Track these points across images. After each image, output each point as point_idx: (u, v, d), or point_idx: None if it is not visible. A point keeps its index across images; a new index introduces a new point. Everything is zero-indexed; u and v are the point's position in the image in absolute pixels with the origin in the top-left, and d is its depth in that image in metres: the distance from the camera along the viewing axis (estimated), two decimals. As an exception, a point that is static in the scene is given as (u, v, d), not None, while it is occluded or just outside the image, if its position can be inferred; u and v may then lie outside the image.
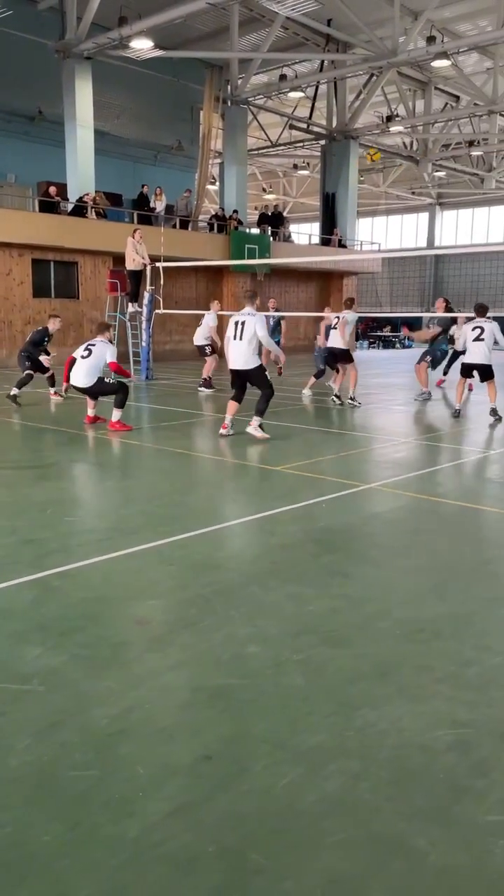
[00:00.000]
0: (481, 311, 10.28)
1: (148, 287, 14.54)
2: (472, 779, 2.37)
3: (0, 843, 2.07)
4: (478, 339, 9.94)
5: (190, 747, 2.53)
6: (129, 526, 5.17)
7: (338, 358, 11.80)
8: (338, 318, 11.73)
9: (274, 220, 26.80)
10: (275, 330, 15.14)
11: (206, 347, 13.54)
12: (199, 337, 13.70)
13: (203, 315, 14.02)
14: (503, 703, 2.83)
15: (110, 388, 9.34)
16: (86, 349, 9.27)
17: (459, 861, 2.02)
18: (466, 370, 10.30)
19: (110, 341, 9.51)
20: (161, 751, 2.51)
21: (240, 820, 2.17)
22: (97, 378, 9.22)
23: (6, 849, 2.05)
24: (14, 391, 10.84)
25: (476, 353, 10.03)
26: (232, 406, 8.80)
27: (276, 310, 15.60)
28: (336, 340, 11.61)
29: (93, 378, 9.21)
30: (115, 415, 9.20)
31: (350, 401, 11.66)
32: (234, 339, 8.61)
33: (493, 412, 9.99)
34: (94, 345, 9.29)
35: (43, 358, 11.13)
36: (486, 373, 10.12)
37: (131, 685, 2.94)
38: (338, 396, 11.82)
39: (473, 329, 10.03)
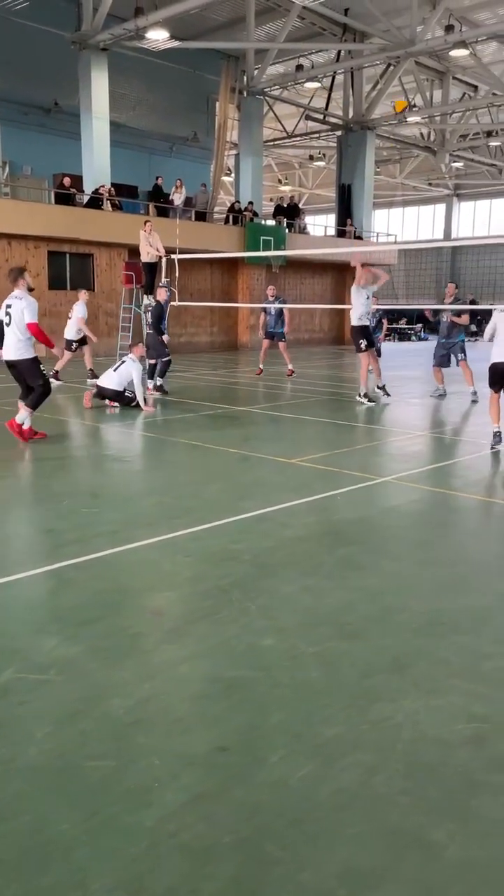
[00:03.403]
0: None
1: (163, 279, 14.53)
2: (488, 773, 2.36)
3: (20, 831, 2.09)
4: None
5: (205, 738, 2.54)
6: (144, 517, 5.19)
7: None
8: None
9: (290, 212, 26.67)
10: (277, 320, 14.68)
11: (73, 342, 12.92)
12: (70, 331, 13.02)
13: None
14: (520, 698, 2.82)
15: (32, 376, 7.50)
16: (5, 313, 7.43)
17: (477, 855, 2.01)
18: (497, 375, 7.77)
19: (29, 290, 7.55)
20: (177, 741, 2.52)
21: (255, 811, 2.17)
22: (28, 357, 7.45)
23: (26, 836, 2.07)
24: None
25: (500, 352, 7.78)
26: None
27: (276, 297, 15.03)
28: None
29: (22, 352, 7.44)
30: (22, 415, 7.57)
31: (379, 390, 11.38)
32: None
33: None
34: (10, 305, 7.43)
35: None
36: None
37: (147, 676, 2.95)
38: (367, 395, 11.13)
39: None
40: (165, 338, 11.79)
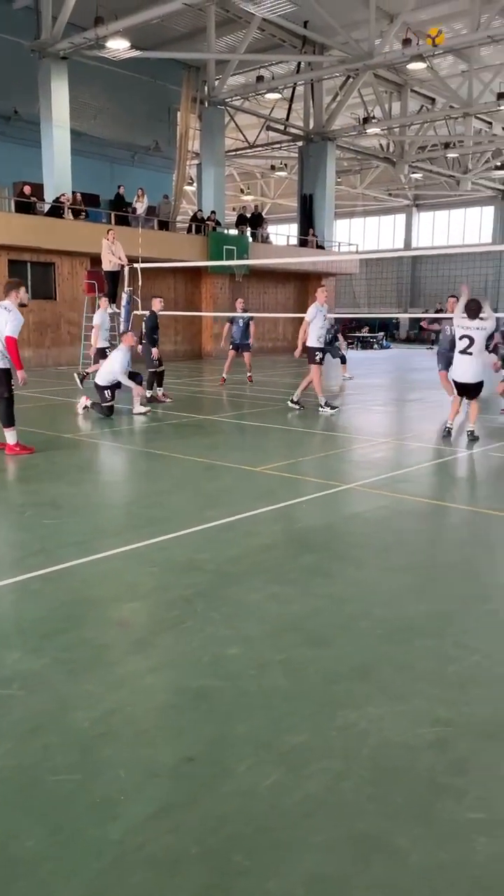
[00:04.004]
0: (473, 311, 8.27)
1: (126, 288, 14.47)
2: (452, 777, 2.39)
3: (-18, 850, 2.06)
4: (465, 351, 8.29)
5: (172, 749, 2.53)
6: (109, 528, 5.15)
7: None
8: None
9: (254, 221, 26.84)
10: (245, 332, 14.94)
11: (105, 350, 12.81)
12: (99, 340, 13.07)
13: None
14: (482, 701, 2.86)
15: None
16: None
17: (441, 859, 2.04)
18: (461, 389, 8.61)
19: (21, 305, 7.59)
20: (143, 753, 2.51)
21: (223, 821, 2.17)
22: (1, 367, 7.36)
23: (-12, 855, 2.04)
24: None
25: (464, 370, 8.38)
26: None
27: (245, 310, 15.27)
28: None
29: None
30: (9, 437, 7.58)
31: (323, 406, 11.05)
32: None
33: (472, 434, 8.71)
34: None
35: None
36: (476, 391, 8.57)
37: (113, 687, 2.93)
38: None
39: (461, 339, 8.31)
40: (155, 352, 11.77)
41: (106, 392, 10.22)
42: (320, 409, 10.92)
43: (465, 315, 8.35)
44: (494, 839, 2.11)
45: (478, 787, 2.34)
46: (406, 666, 3.14)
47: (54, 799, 2.26)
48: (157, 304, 12.13)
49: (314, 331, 10.70)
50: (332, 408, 10.96)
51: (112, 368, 10.20)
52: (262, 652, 3.24)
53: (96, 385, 10.35)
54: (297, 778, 2.37)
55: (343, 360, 16.41)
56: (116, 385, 10.27)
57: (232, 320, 15.03)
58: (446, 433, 8.79)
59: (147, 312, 12.37)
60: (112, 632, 3.49)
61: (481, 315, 8.24)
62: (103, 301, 12.96)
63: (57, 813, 2.20)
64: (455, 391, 8.81)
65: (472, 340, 8.22)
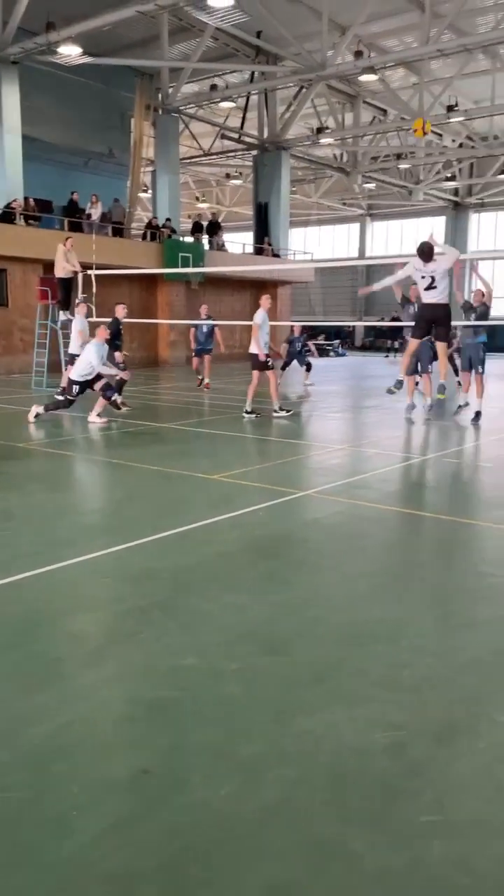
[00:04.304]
0: (427, 254, 8.39)
1: (80, 295, 14.33)
2: (406, 780, 2.41)
3: None
4: (429, 287, 8.45)
5: (127, 762, 2.50)
6: (63, 538, 5.08)
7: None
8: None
9: (211, 229, 26.91)
10: (209, 337, 15.15)
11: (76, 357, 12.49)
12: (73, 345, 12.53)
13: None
14: (436, 704, 2.90)
15: None
16: None
17: (395, 862, 2.05)
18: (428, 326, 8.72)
19: None
20: (98, 767, 2.48)
21: (179, 833, 2.15)
22: None
23: None
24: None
25: (431, 296, 8.49)
26: None
27: (209, 317, 15.48)
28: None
29: None
30: None
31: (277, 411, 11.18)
32: None
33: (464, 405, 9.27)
34: None
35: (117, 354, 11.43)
36: (446, 322, 8.64)
37: (67, 701, 2.88)
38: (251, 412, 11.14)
39: (422, 279, 8.46)
40: (119, 356, 11.68)
41: (75, 387, 10.22)
42: (274, 413, 11.04)
43: (421, 261, 8.46)
44: (448, 841, 2.13)
45: (432, 790, 2.36)
46: (361, 671, 3.16)
47: (4, 816, 2.21)
48: (120, 311, 12.02)
49: (263, 336, 10.84)
50: (287, 412, 11.06)
51: (89, 360, 10.17)
52: (219, 661, 3.23)
53: (70, 380, 10.36)
54: (254, 786, 2.36)
55: (308, 368, 16.68)
56: (90, 382, 10.25)
57: (196, 326, 15.22)
58: (398, 385, 9.36)
59: (107, 319, 12.19)
60: (66, 645, 3.44)
61: (435, 255, 8.42)
62: (81, 307, 12.51)
63: (6, 831, 2.15)
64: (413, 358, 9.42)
65: (433, 278, 8.39)
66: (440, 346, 8.75)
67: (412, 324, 9.68)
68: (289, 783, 2.38)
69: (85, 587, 4.19)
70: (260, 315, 10.84)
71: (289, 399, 13.64)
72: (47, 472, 7.61)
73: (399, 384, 9.41)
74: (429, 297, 8.51)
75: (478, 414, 10.66)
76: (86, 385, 10.33)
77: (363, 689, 3.01)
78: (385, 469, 7.64)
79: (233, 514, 5.70)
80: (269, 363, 10.98)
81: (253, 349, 10.97)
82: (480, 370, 10.73)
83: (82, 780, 2.40)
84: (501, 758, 2.54)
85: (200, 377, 15.41)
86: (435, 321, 8.58)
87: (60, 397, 10.58)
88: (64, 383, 11.55)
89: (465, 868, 2.03)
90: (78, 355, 12.26)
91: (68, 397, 10.30)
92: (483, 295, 10.59)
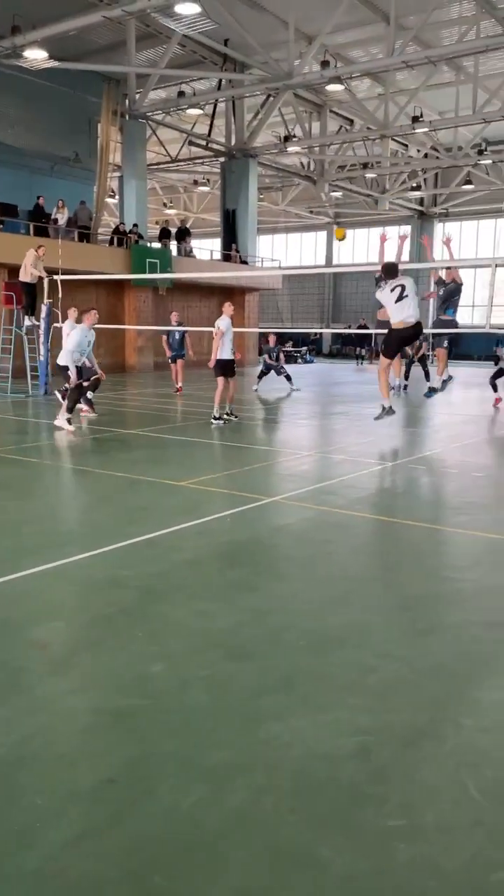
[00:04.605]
0: (393, 272, 8.70)
1: (45, 300, 14.20)
2: (373, 785, 2.42)
3: None
4: (402, 297, 8.52)
5: (93, 772, 2.47)
6: (27, 546, 5.02)
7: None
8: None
9: (180, 235, 26.87)
10: (181, 343, 15.36)
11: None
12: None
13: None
14: (403, 709, 2.92)
15: None
16: None
17: (361, 868, 2.06)
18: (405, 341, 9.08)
19: None
20: (62, 777, 2.44)
21: (144, 843, 2.13)
22: None
23: None
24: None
25: (409, 312, 8.57)
26: None
27: (179, 323, 15.64)
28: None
29: None
30: None
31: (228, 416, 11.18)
32: None
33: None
34: None
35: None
36: (417, 335, 8.99)
37: (30, 711, 2.84)
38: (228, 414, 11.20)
39: (393, 290, 8.57)
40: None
41: (69, 371, 10.22)
42: (213, 421, 10.89)
43: (389, 279, 8.64)
44: (414, 845, 2.14)
45: (398, 794, 2.37)
46: (328, 677, 3.17)
47: (-33, 831, 2.17)
48: (92, 318, 11.74)
49: (228, 343, 10.86)
50: (224, 420, 11.00)
51: (77, 341, 10.24)
52: (186, 668, 3.21)
53: (58, 366, 10.42)
54: (220, 794, 2.35)
55: (288, 378, 17.00)
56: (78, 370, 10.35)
57: (168, 333, 15.35)
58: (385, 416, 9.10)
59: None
60: (30, 654, 3.39)
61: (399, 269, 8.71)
62: (71, 312, 12.05)
63: (-30, 845, 2.11)
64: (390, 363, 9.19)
65: (403, 287, 8.50)
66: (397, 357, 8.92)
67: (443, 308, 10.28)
68: (255, 790, 2.37)
69: (50, 595, 4.14)
70: (224, 321, 10.79)
71: (269, 402, 13.66)
72: (12, 478, 7.51)
73: (387, 410, 9.08)
74: (408, 311, 8.51)
75: (431, 390, 10.86)
76: (80, 369, 10.44)
77: (330, 694, 3.02)
78: (352, 475, 7.68)
79: (200, 521, 5.68)
80: (233, 368, 11.00)
81: (223, 355, 10.91)
82: (445, 345, 10.94)
83: (46, 790, 2.36)
84: (466, 761, 2.56)
85: (178, 385, 15.62)
86: (412, 339, 8.87)
87: (59, 393, 10.90)
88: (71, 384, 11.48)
89: (431, 872, 2.04)
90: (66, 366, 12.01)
91: (71, 388, 10.25)
92: (453, 273, 10.77)
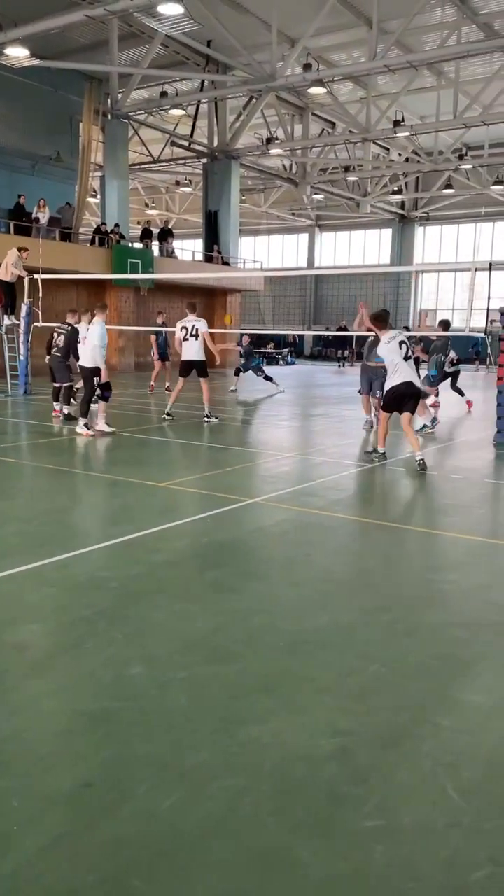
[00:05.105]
0: (385, 322, 8.16)
1: (25, 299, 14.10)
2: (351, 786, 2.42)
3: None
4: (407, 357, 7.89)
5: (70, 775, 2.45)
6: (5, 547, 4.97)
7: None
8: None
9: (162, 235, 26.79)
10: (167, 343, 15.59)
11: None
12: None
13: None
14: (382, 710, 2.92)
15: None
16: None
17: (340, 869, 2.06)
18: (399, 398, 7.89)
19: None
20: (39, 781, 2.42)
21: (121, 846, 2.12)
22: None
23: None
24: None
25: (413, 376, 7.94)
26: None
27: (164, 323, 15.68)
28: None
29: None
30: None
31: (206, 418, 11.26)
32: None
33: (421, 464, 7.86)
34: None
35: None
36: (415, 398, 8.05)
37: (7, 714, 2.81)
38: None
39: (401, 345, 7.83)
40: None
41: (96, 379, 10.18)
42: (206, 419, 11.19)
43: (384, 330, 8.06)
44: (392, 846, 2.15)
45: (376, 796, 2.38)
46: (308, 678, 3.17)
47: None
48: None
49: (197, 345, 11.00)
50: (216, 418, 11.33)
51: (101, 335, 10.16)
52: (165, 670, 3.20)
53: (82, 368, 10.31)
54: (198, 797, 2.34)
55: (266, 377, 17.20)
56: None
57: (157, 333, 15.71)
58: (381, 457, 8.34)
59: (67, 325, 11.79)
60: (6, 656, 3.35)
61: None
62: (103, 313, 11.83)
63: None
64: (384, 412, 8.18)
65: (406, 345, 7.92)
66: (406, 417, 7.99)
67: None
68: (234, 793, 2.37)
69: (28, 597, 4.10)
70: (206, 324, 11.13)
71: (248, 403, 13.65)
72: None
73: (377, 453, 8.41)
74: (411, 374, 7.88)
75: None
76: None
77: (309, 696, 3.01)
78: (332, 477, 7.70)
79: (180, 522, 5.66)
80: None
81: (200, 356, 11.03)
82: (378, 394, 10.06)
83: (23, 794, 2.34)
84: (444, 762, 2.57)
85: (167, 384, 15.75)
86: (411, 401, 7.95)
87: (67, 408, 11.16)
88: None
89: (409, 872, 2.05)
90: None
91: (103, 392, 10.32)
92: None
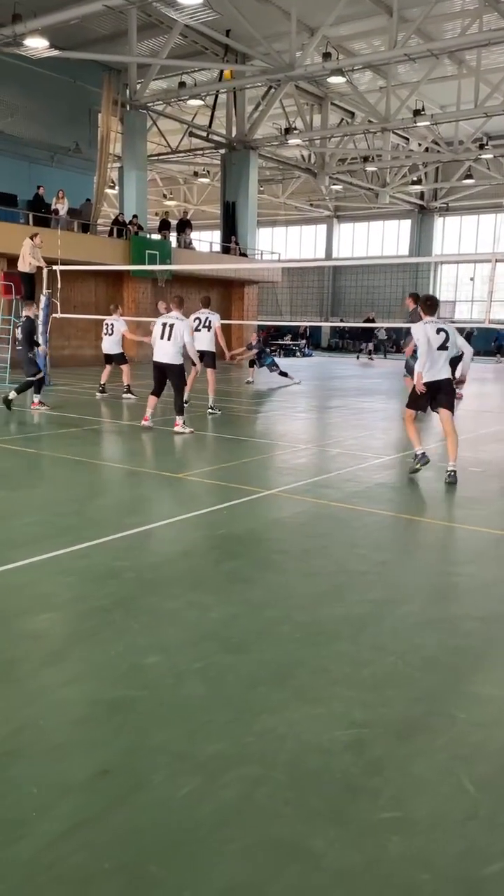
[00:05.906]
0: (432, 308, 7.17)
1: (44, 290, 14.15)
2: (366, 778, 2.42)
3: None
4: (443, 346, 6.95)
5: (86, 763, 2.47)
6: (24, 536, 5.01)
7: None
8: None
9: (181, 226, 26.77)
10: None
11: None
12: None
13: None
14: (397, 702, 2.92)
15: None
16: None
17: (354, 860, 2.06)
18: (431, 392, 7.06)
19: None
20: (56, 769, 2.44)
21: (137, 834, 2.13)
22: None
23: None
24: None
25: (442, 367, 7.01)
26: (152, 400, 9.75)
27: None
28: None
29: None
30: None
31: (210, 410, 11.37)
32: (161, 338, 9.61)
33: (451, 476, 7.13)
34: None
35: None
36: (449, 391, 7.18)
37: (24, 703, 2.84)
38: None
39: (438, 333, 6.93)
40: (44, 350, 11.68)
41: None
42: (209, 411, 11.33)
43: (429, 313, 7.15)
44: (406, 837, 2.15)
45: (392, 787, 2.38)
46: (323, 669, 3.17)
47: (-40, 820, 2.17)
48: (31, 309, 11.64)
49: (204, 336, 11.33)
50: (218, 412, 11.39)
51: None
52: (181, 660, 3.21)
53: (170, 367, 9.75)
54: (214, 786, 2.35)
55: (281, 373, 17.18)
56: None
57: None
58: (424, 460, 7.30)
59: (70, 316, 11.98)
60: (24, 645, 3.38)
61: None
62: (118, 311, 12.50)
63: (-37, 835, 2.11)
64: (416, 405, 7.32)
65: (447, 334, 7.01)
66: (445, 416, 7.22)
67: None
68: (250, 782, 2.38)
69: (45, 586, 4.13)
70: (218, 318, 11.60)
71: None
72: (7, 469, 7.50)
73: (420, 458, 7.33)
74: (441, 364, 7.02)
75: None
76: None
77: (325, 687, 3.02)
78: (349, 469, 7.68)
79: (197, 513, 5.67)
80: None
81: (211, 347, 11.40)
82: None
83: (40, 782, 2.36)
84: (460, 755, 2.57)
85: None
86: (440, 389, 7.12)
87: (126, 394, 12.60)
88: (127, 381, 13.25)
89: (423, 865, 2.05)
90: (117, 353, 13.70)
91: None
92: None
